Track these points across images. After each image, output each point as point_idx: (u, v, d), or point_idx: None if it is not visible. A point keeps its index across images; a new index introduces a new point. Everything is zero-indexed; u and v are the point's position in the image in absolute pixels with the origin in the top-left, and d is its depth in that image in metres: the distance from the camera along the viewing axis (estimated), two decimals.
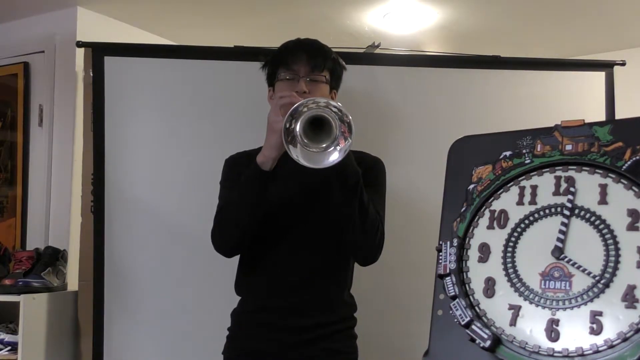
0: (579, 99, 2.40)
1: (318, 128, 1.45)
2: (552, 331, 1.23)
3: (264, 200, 1.60)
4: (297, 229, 1.69)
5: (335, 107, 1.43)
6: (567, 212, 1.29)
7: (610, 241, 1.23)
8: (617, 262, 1.21)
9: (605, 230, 1.24)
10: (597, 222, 1.26)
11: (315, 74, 1.71)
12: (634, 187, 1.24)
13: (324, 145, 1.44)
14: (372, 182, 1.69)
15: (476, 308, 1.34)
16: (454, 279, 1.37)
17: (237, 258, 1.76)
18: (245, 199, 1.61)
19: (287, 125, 1.43)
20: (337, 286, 1.73)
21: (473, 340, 1.29)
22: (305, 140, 1.43)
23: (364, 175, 1.60)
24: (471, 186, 1.44)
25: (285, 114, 1.50)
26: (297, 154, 1.43)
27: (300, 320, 1.66)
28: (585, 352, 1.18)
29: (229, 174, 1.77)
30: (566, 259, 1.27)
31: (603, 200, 1.27)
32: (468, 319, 1.32)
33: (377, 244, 1.65)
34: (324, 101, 1.45)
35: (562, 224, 1.29)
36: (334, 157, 1.44)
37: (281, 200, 1.66)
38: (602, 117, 2.37)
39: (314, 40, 1.77)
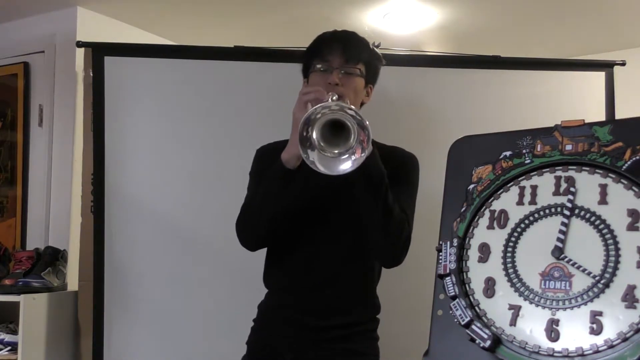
0: (579, 99, 2.40)
1: (337, 132, 1.42)
2: (552, 331, 1.23)
3: (288, 198, 1.59)
4: (320, 228, 1.67)
5: (358, 116, 1.39)
6: (567, 212, 1.29)
7: (610, 241, 1.23)
8: (617, 262, 1.21)
9: (605, 230, 1.24)
10: (597, 222, 1.26)
11: (349, 66, 1.66)
12: (634, 187, 1.24)
13: (337, 152, 1.41)
14: (402, 179, 1.65)
15: (476, 308, 1.34)
16: (454, 279, 1.37)
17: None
18: (269, 196, 1.60)
19: (304, 133, 1.40)
20: (359, 288, 1.70)
21: (473, 340, 1.29)
22: (322, 144, 1.41)
23: (395, 171, 1.57)
24: (471, 186, 1.44)
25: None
26: (313, 157, 1.40)
27: (321, 320, 1.65)
28: (585, 352, 1.18)
29: (257, 166, 1.75)
30: (566, 259, 1.27)
31: (603, 200, 1.27)
32: (468, 319, 1.31)
33: (402, 247, 1.62)
34: (338, 104, 1.41)
35: (562, 224, 1.29)
36: (346, 166, 1.40)
37: (305, 198, 1.63)
38: (602, 117, 2.37)
39: (351, 32, 1.73)
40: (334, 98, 1.56)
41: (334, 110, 1.41)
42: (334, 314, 1.66)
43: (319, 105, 1.42)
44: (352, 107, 1.43)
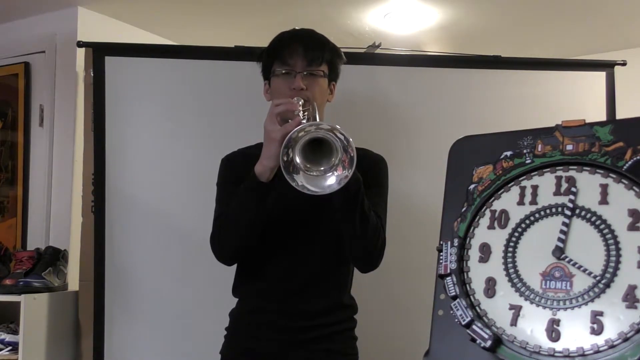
0: (580, 99, 2.40)
1: (317, 149, 1.41)
2: (553, 331, 1.23)
3: (263, 211, 1.56)
4: (296, 235, 1.67)
5: (341, 134, 1.38)
6: (568, 212, 1.29)
7: (611, 241, 1.23)
8: (617, 262, 1.21)
9: (606, 230, 1.24)
10: (598, 222, 1.26)
11: (313, 68, 1.63)
12: (634, 187, 1.24)
13: (322, 169, 1.41)
14: (374, 182, 1.64)
15: (477, 308, 1.34)
16: (454, 279, 1.37)
17: None
18: (244, 210, 1.57)
19: (285, 158, 1.38)
20: (336, 289, 1.71)
21: (474, 340, 1.29)
22: (308, 165, 1.40)
23: (365, 174, 1.56)
24: (472, 186, 1.44)
25: (282, 123, 1.47)
26: (300, 181, 1.39)
27: (300, 322, 1.65)
28: (586, 352, 1.18)
29: (226, 175, 1.73)
30: (567, 259, 1.27)
31: (604, 200, 1.27)
32: (469, 319, 1.32)
33: (378, 252, 1.63)
34: (328, 125, 1.39)
35: (563, 224, 1.29)
36: (331, 181, 1.40)
37: (281, 207, 1.62)
38: (602, 117, 2.37)
39: (310, 30, 1.69)
40: (301, 103, 1.55)
41: (312, 130, 1.39)
42: (313, 315, 1.65)
43: (295, 129, 1.39)
44: (325, 123, 1.40)
